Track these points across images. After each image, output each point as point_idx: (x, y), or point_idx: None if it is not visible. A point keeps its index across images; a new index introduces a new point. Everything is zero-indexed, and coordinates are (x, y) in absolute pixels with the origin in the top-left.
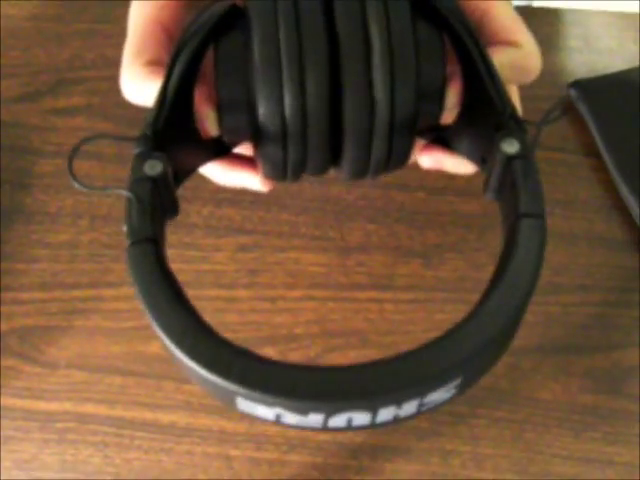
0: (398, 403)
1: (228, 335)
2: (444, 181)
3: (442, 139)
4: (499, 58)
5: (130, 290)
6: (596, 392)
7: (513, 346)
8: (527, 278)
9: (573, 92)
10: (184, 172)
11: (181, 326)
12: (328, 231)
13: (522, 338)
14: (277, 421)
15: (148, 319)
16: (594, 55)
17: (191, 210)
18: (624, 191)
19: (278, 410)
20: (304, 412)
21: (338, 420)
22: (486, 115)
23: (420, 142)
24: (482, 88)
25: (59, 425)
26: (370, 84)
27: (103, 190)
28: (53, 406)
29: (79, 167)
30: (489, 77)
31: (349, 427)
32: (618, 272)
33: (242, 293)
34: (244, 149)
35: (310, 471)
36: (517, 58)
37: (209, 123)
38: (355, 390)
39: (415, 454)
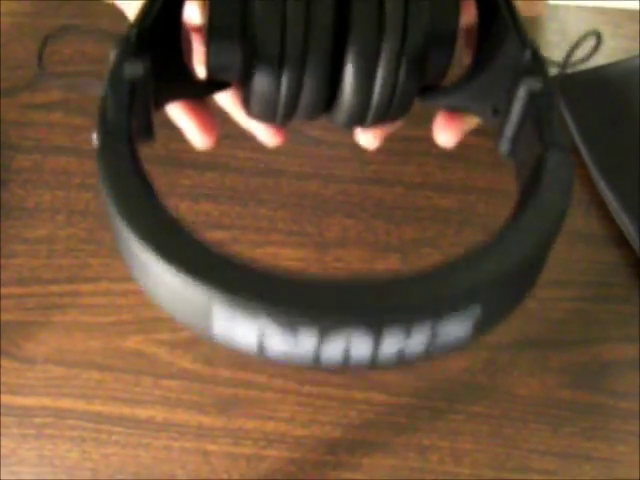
0: (407, 326)
1: None
2: (422, 176)
3: (446, 98)
4: None
5: (108, 285)
6: (574, 387)
7: (490, 341)
8: (559, 203)
9: None
10: (162, 97)
11: (154, 225)
12: (306, 226)
13: (499, 333)
14: (260, 348)
15: (113, 221)
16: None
17: (168, 205)
18: (602, 186)
19: (262, 327)
20: (294, 328)
21: (333, 348)
22: (503, 59)
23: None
24: (501, 29)
25: (37, 420)
26: (381, 13)
27: (75, 81)
28: (31, 401)
29: (56, 163)
30: (510, 15)
31: (346, 361)
32: (596, 267)
33: None
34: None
35: (288, 466)
36: None
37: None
38: (357, 302)
39: (393, 449)
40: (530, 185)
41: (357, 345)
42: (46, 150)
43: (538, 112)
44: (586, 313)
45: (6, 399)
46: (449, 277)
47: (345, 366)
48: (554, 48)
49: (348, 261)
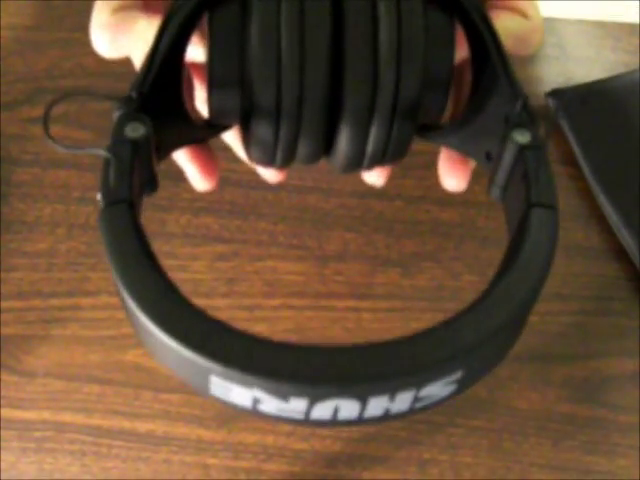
0: (392, 392)
1: None
2: (422, 190)
3: (443, 138)
4: (505, 24)
5: (108, 299)
6: (574, 401)
7: None
8: (537, 271)
9: (551, 101)
10: (165, 148)
11: (154, 295)
12: (306, 240)
13: None
14: (254, 409)
15: (117, 287)
16: (572, 64)
17: (169, 219)
18: (602, 200)
19: (256, 393)
20: (285, 396)
21: (323, 409)
22: (495, 108)
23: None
24: (493, 79)
25: (37, 434)
26: (375, 66)
27: (80, 150)
28: (31, 415)
29: (56, 176)
30: (502, 66)
31: (334, 421)
32: (596, 281)
33: (220, 302)
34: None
35: None
36: (523, 29)
37: (197, 98)
38: (346, 372)
39: (393, 463)
40: (513, 246)
41: (345, 409)
42: (46, 164)
43: (526, 166)
44: (586, 327)
45: (6, 413)
46: (431, 345)
47: (333, 424)
48: (553, 62)
49: (348, 275)
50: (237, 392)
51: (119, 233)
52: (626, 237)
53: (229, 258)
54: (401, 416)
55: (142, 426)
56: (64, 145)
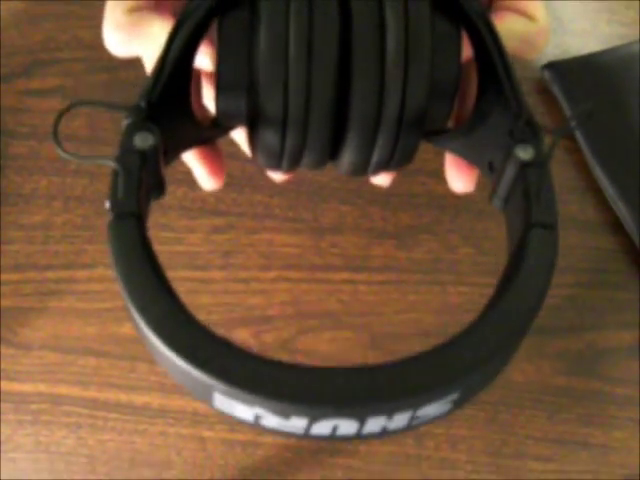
0: (389, 414)
1: (201, 317)
2: (418, 162)
3: (449, 143)
4: (510, 26)
5: (104, 271)
6: (569, 374)
7: None
8: (534, 294)
9: (547, 74)
10: (173, 152)
11: (160, 310)
12: (302, 212)
13: None
14: (255, 423)
15: (125, 301)
16: (568, 37)
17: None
18: (598, 172)
19: (258, 410)
20: (286, 415)
21: (322, 427)
22: (499, 119)
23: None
24: (498, 90)
25: (33, 406)
26: (382, 76)
27: (89, 160)
28: (27, 387)
29: (52, 149)
30: (507, 79)
31: (333, 436)
32: (592, 253)
33: (216, 274)
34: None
35: (284, 453)
36: (530, 32)
37: (206, 101)
38: (345, 395)
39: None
40: (511, 266)
41: (343, 427)
42: (42, 136)
43: (528, 184)
44: (582, 300)
45: (2, 385)
46: (429, 369)
47: (332, 439)
48: (550, 36)
49: (344, 247)
50: (240, 408)
51: (127, 248)
52: (622, 210)
53: (225, 231)
54: (399, 432)
55: (138, 399)
56: (76, 156)
